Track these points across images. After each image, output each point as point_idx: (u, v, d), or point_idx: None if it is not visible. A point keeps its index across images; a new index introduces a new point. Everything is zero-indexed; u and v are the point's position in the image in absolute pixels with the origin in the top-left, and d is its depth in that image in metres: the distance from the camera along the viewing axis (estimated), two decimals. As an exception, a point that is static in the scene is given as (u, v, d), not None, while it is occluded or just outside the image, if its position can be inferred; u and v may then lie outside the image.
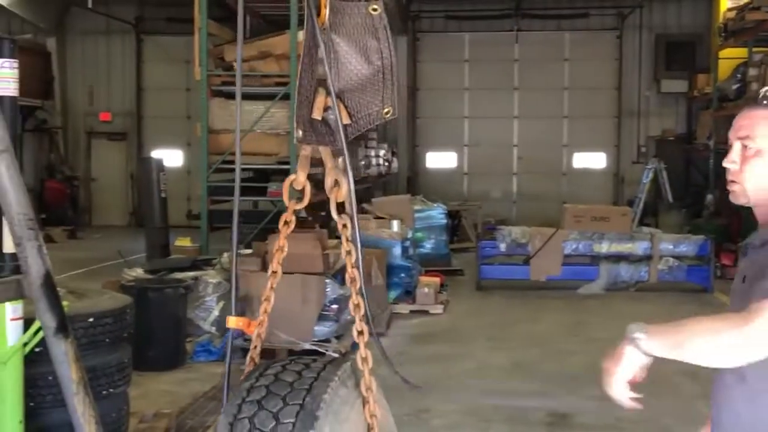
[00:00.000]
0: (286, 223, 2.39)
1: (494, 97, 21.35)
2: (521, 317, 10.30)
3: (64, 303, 3.11)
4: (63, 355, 2.91)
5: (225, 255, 8.97)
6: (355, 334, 2.28)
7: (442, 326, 9.71)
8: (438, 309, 10.33)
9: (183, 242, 11.45)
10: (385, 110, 2.28)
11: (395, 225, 11.40)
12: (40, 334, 3.22)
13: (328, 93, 2.24)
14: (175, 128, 21.21)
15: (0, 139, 2.72)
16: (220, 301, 8.03)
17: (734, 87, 15.96)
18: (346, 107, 2.23)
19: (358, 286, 2.34)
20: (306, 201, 2.34)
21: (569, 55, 21.24)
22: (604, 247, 11.84)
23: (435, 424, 6.31)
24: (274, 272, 2.44)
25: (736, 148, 2.21)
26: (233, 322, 2.46)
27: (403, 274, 10.59)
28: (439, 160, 21.93)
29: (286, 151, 10.62)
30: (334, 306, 7.95)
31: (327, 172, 2.33)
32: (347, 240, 2.33)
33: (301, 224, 11.14)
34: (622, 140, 21.17)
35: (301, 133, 2.27)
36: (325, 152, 2.32)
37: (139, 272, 8.30)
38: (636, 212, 15.00)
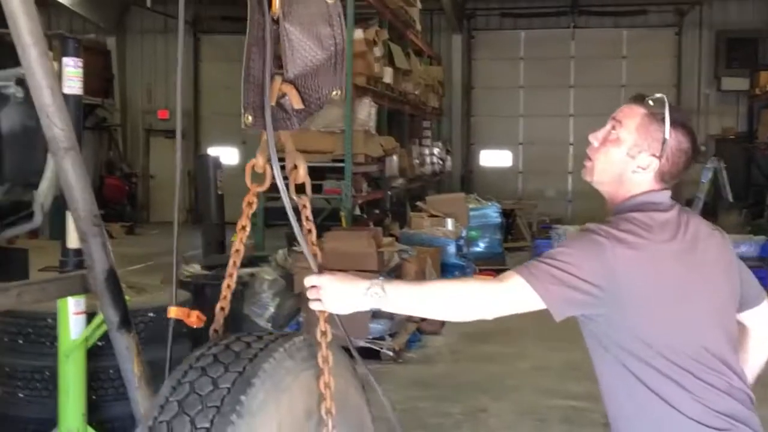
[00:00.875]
0: (249, 204, 2.49)
1: (550, 94, 21.16)
2: (576, 318, 10.17)
3: (126, 298, 3.16)
4: (125, 349, 2.97)
5: (280, 252, 9.04)
6: (314, 306, 2.32)
7: (495, 325, 9.61)
8: (492, 308, 10.25)
9: (239, 239, 11.56)
10: (334, 92, 2.37)
11: (449, 223, 11.37)
12: (102, 328, 3.28)
13: (284, 80, 2.34)
14: (231, 126, 21.38)
15: (66, 137, 2.78)
16: (276, 298, 8.09)
17: (798, 85, 15.61)
18: (299, 92, 2.32)
19: (318, 266, 2.40)
20: (267, 184, 2.43)
21: (627, 52, 20.95)
22: (661, 248, 11.65)
23: (492, 424, 6.28)
24: (237, 251, 2.55)
25: (606, 128, 2.36)
26: (173, 312, 2.59)
27: (457, 273, 10.56)
28: (494, 158, 21.81)
29: (341, 149, 10.66)
30: (389, 304, 7.95)
31: (287, 156, 2.45)
32: (307, 219, 2.45)
33: (356, 222, 11.18)
34: (681, 139, 20.80)
35: (251, 119, 2.34)
36: (284, 136, 2.43)
37: (196, 268, 8.40)
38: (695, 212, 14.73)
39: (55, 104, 2.71)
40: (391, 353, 7.90)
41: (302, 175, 2.43)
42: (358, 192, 10.96)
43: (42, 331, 4.13)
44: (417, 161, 15.58)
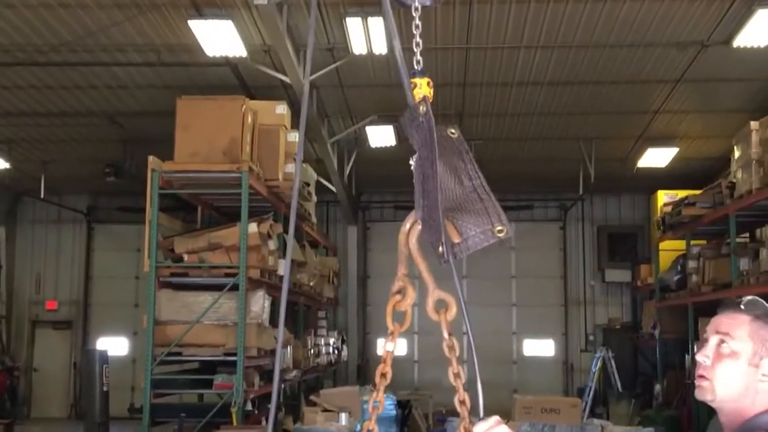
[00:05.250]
0: (383, 375, 2.10)
1: (443, 285, 21.45)
2: None
3: None
4: None
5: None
6: None
7: None
8: (387, 507, 9.98)
9: (123, 437, 11.06)
10: (497, 228, 2.13)
11: (343, 418, 11.18)
12: None
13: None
14: (123, 316, 20.98)
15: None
16: (159, 503, 7.68)
17: (675, 278, 16.38)
18: (453, 226, 2.22)
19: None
20: (407, 324, 2.19)
21: (516, 244, 21.72)
22: (555, 439, 11.68)
23: None
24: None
25: (712, 343, 2.24)
26: None
27: (350, 470, 10.29)
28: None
29: (233, 343, 10.50)
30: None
31: (430, 294, 2.27)
32: (457, 363, 2.18)
33: (247, 418, 10.87)
34: (570, 328, 21.37)
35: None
36: (426, 274, 2.25)
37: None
38: (586, 402, 14.95)
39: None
40: None
41: (454, 313, 2.19)
42: (250, 386, 10.73)
43: None
44: (312, 352, 15.45)
